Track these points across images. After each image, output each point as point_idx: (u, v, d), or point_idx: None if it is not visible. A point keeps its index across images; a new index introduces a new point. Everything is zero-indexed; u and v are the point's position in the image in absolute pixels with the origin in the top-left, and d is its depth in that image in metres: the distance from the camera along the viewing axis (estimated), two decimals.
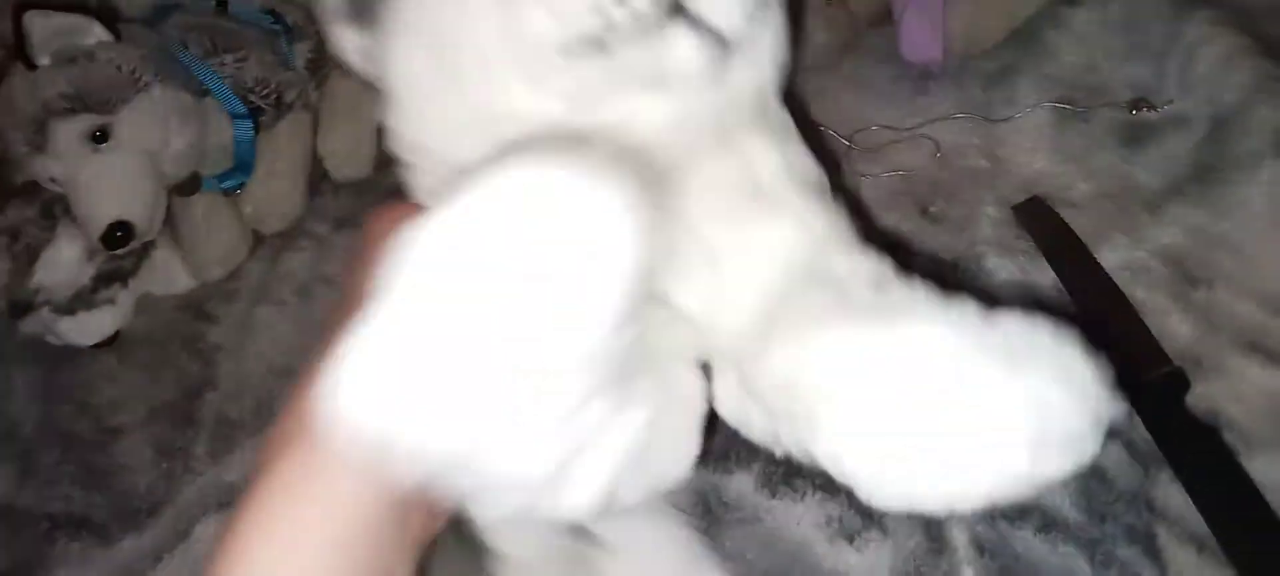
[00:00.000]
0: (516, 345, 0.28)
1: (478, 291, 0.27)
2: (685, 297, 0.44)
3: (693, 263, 0.43)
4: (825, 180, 0.49)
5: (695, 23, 0.40)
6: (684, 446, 0.44)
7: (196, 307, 0.93)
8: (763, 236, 0.44)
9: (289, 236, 0.96)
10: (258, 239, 0.97)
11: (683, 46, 0.40)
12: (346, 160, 0.98)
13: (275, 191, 0.94)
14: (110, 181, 0.81)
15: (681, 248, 0.43)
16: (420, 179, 0.48)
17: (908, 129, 0.84)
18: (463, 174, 0.29)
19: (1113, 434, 0.62)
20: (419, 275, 0.28)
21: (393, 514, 0.37)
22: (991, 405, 0.35)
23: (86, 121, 0.80)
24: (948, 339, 0.37)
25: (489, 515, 0.37)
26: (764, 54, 0.47)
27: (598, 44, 0.39)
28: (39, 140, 0.79)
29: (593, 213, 0.28)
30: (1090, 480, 0.61)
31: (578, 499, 0.33)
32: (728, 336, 0.44)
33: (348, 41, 0.48)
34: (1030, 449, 0.35)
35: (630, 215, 0.28)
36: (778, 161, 0.46)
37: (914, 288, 0.41)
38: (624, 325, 0.30)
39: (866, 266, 0.43)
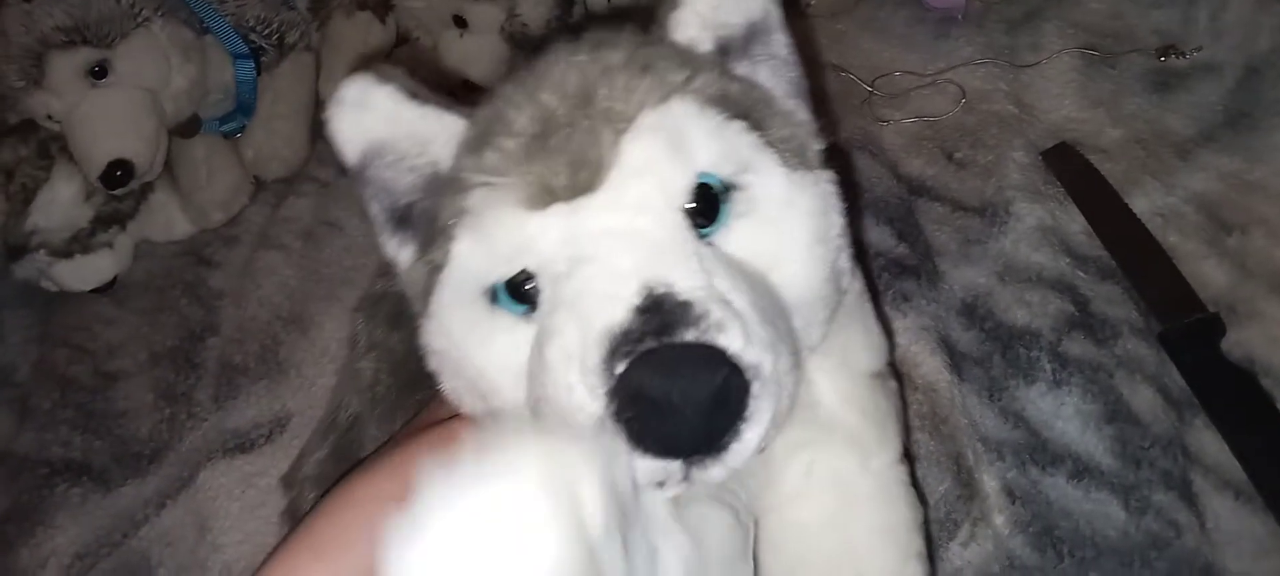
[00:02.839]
0: None
1: None
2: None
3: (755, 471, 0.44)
4: (887, 355, 0.50)
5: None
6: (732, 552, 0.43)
7: (197, 253, 0.91)
8: (817, 458, 0.45)
9: (291, 181, 0.94)
10: (259, 184, 0.94)
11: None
12: None
13: (277, 135, 0.92)
14: (110, 118, 0.78)
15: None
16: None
17: (931, 74, 0.83)
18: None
19: (1146, 378, 0.62)
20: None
21: None
22: None
23: (85, 55, 0.77)
24: None
25: None
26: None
27: None
28: (36, 74, 0.77)
29: (523, 526, 0.29)
30: (1124, 425, 0.60)
31: None
32: (765, 527, 0.46)
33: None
34: None
35: (553, 526, 0.29)
36: (839, 379, 0.46)
37: None
38: None
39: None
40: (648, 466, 0.34)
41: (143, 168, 0.79)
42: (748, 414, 0.34)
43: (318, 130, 0.95)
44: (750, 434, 0.35)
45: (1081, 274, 0.68)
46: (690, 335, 0.33)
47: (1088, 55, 0.81)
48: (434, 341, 0.41)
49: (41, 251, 0.85)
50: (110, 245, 0.88)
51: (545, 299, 0.38)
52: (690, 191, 0.38)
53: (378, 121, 0.42)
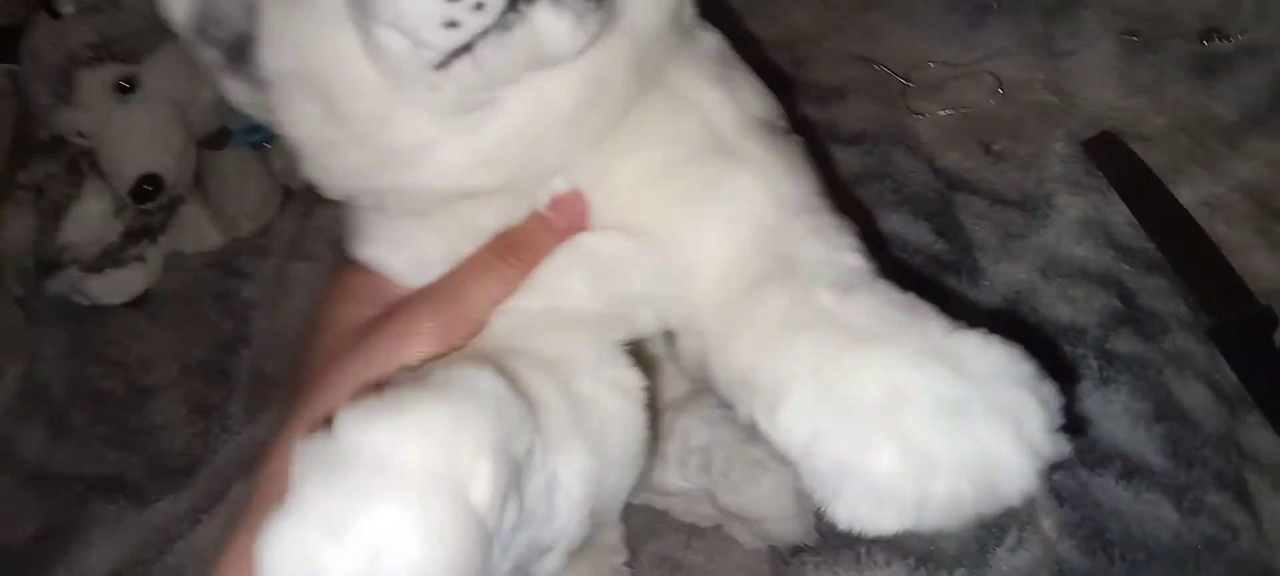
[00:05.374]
0: None
1: None
2: (644, 271, 0.43)
3: (657, 233, 0.42)
4: (781, 116, 0.47)
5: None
6: (634, 449, 0.42)
7: (227, 264, 0.90)
8: (727, 191, 0.42)
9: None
10: (288, 194, 0.94)
11: (546, 23, 0.36)
12: None
13: None
14: (138, 133, 0.78)
15: (643, 220, 0.42)
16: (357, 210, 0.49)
17: (966, 65, 0.81)
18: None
19: (1197, 374, 0.60)
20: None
21: None
22: (927, 445, 0.34)
23: (113, 71, 0.77)
24: (902, 376, 0.36)
25: None
26: None
27: (464, 49, 0.36)
28: (64, 91, 0.77)
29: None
30: (1175, 423, 0.58)
31: None
32: (689, 305, 0.43)
33: (239, 95, 0.47)
34: (950, 480, 0.34)
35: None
36: (733, 111, 0.44)
37: (876, 293, 0.39)
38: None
39: (831, 261, 0.41)
40: None
41: (172, 181, 0.80)
42: None
43: None
44: None
45: (1127, 267, 0.66)
46: None
47: (1128, 41, 0.79)
48: (276, 61, 0.41)
49: (73, 267, 0.85)
50: (141, 258, 0.88)
51: None
52: None
53: None
